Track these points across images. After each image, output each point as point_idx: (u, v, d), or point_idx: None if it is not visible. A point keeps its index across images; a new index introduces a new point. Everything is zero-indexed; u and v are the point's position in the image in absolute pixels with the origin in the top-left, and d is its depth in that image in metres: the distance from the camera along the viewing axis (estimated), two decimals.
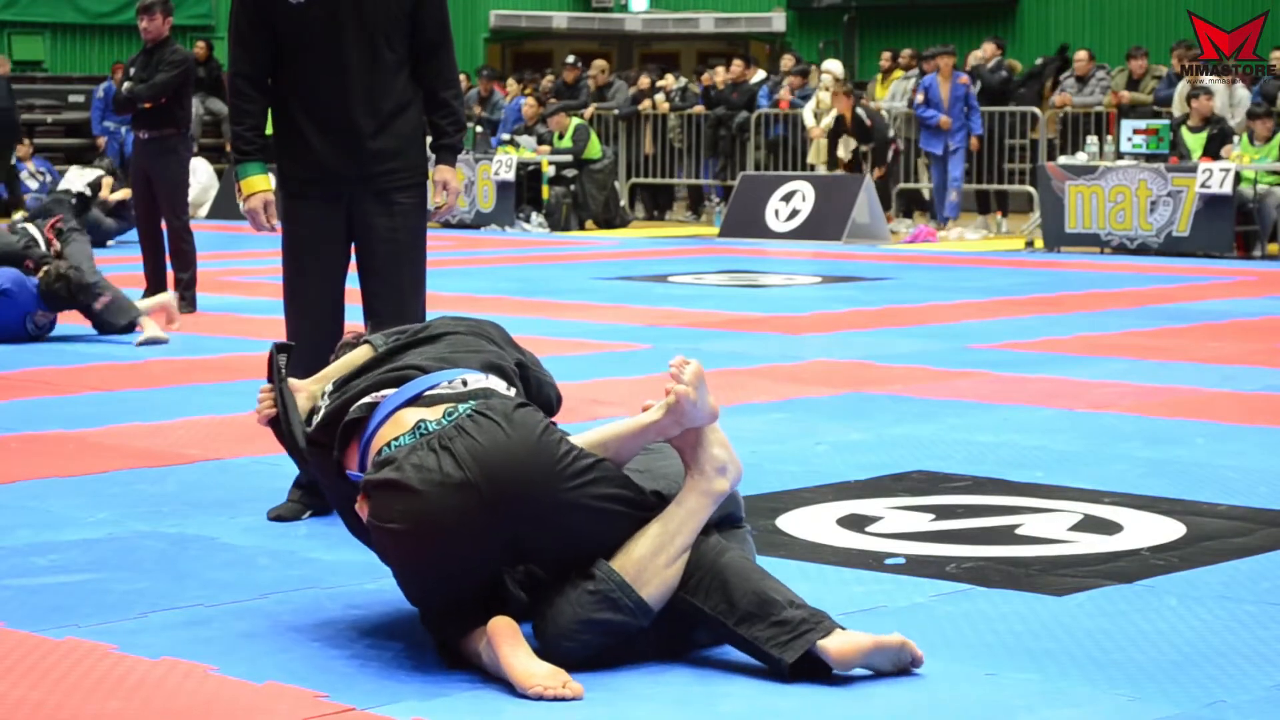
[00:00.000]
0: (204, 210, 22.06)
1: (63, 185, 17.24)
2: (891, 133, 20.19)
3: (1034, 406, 7.74)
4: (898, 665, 3.92)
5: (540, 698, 3.71)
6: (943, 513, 5.57)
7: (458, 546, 3.92)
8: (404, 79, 5.56)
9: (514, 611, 4.02)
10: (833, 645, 3.86)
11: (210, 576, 4.78)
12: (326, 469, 4.31)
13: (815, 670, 3.85)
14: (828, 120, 20.06)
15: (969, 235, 19.62)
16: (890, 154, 20.00)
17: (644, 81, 23.39)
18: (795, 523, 5.43)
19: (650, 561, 3.98)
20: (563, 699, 3.70)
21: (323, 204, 5.55)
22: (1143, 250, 16.91)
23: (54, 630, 4.22)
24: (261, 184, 5.63)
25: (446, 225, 20.75)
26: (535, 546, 4.01)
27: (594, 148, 21.28)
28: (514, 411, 4.03)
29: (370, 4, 5.48)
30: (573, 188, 21.19)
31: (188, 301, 11.83)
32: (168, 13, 12.02)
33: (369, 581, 4.70)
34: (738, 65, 23.24)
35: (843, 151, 20.48)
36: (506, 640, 3.82)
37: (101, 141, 23.72)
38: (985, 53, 20.68)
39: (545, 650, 3.94)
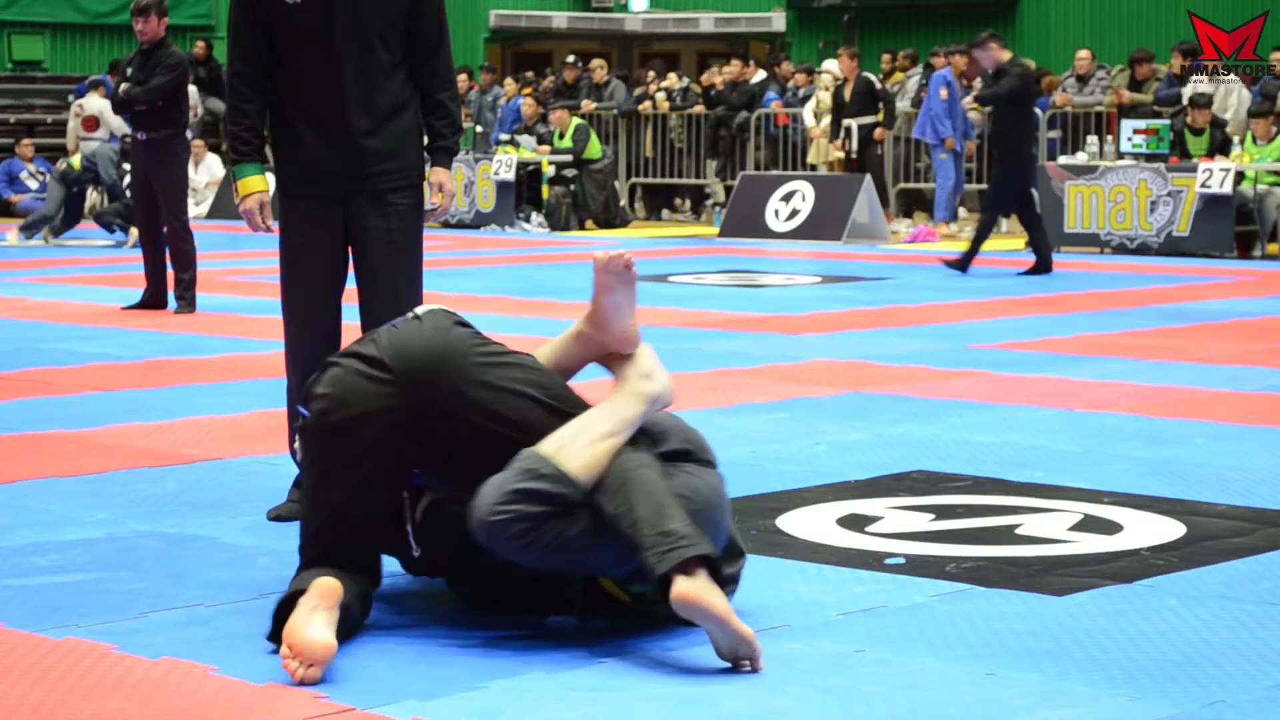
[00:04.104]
0: (204, 208, 22.07)
1: None
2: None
3: (1034, 406, 7.74)
4: (733, 654, 3.90)
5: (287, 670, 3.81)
6: (943, 513, 5.57)
7: (364, 423, 4.13)
8: (400, 80, 5.55)
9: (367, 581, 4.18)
10: (683, 586, 3.89)
11: (210, 576, 4.78)
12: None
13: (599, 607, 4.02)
14: (826, 108, 20.11)
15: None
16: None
17: (652, 87, 23.36)
18: (795, 523, 5.43)
19: (571, 440, 4.12)
20: (295, 677, 3.79)
21: (319, 206, 5.54)
22: (1143, 250, 16.92)
23: (54, 630, 4.22)
24: (258, 184, 5.62)
25: (446, 225, 20.76)
26: (444, 430, 4.16)
27: (594, 148, 21.29)
28: (437, 311, 4.34)
29: (366, 4, 5.48)
30: (573, 188, 21.20)
31: (187, 301, 11.83)
32: (163, 14, 12.02)
33: None
34: (737, 65, 23.26)
35: (814, 158, 20.50)
36: (310, 598, 3.90)
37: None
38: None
39: (482, 534, 4.07)
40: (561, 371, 4.41)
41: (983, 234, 14.79)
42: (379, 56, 5.49)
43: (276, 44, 5.51)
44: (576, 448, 4.11)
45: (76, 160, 18.33)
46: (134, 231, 17.98)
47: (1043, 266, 14.70)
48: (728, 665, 3.95)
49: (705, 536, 4.01)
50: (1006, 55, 14.83)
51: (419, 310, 4.39)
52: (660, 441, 4.28)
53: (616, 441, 4.15)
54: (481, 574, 4.33)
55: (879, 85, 20.20)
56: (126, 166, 17.90)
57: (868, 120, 19.93)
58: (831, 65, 21.26)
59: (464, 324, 4.35)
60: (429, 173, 5.67)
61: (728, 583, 4.32)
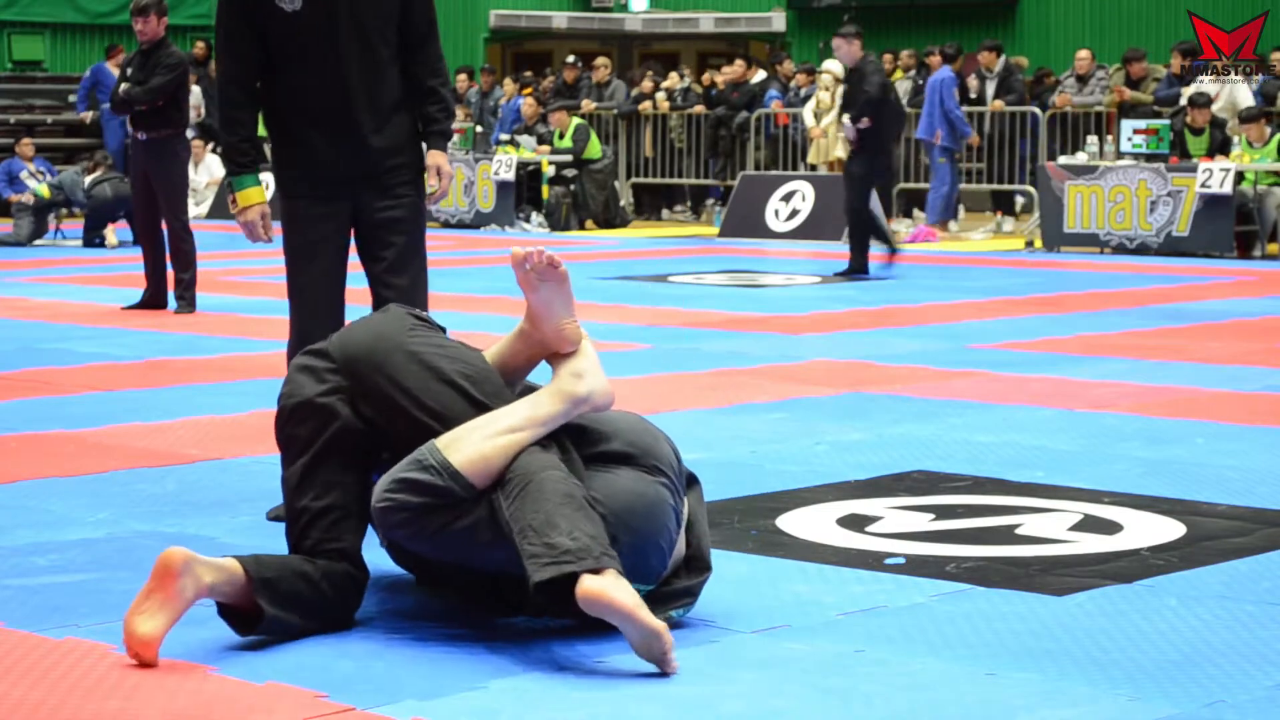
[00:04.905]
0: (204, 208, 22.07)
1: None
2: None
3: (1034, 406, 7.73)
4: (647, 650, 3.86)
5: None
6: (943, 513, 5.57)
7: (310, 409, 4.26)
8: (396, 74, 5.60)
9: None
10: (587, 583, 3.86)
11: None
12: None
13: (566, 604, 3.93)
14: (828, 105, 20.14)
15: (975, 235, 19.65)
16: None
17: (646, 85, 23.37)
18: (795, 523, 5.43)
19: (467, 434, 4.12)
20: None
21: (325, 205, 5.56)
22: (1142, 250, 16.92)
23: (54, 630, 4.22)
24: (257, 196, 5.63)
25: (446, 225, 20.76)
26: (381, 416, 4.24)
27: (594, 148, 21.28)
28: (396, 307, 4.47)
29: (363, 4, 5.50)
30: (573, 188, 21.20)
31: (187, 301, 11.84)
32: (162, 14, 12.03)
33: (368, 582, 4.69)
34: (739, 65, 23.26)
35: (814, 157, 20.50)
36: (152, 581, 3.95)
37: (88, 117, 23.68)
38: (985, 60, 20.63)
39: (375, 522, 4.18)
40: (509, 369, 4.38)
41: (878, 225, 14.69)
42: (379, 53, 5.53)
43: (273, 50, 5.51)
44: (471, 441, 4.10)
45: (45, 189, 18.51)
46: (109, 231, 18.10)
47: (859, 267, 14.59)
48: (727, 664, 3.95)
49: (600, 548, 3.92)
50: (861, 52, 14.80)
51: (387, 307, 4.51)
52: (598, 442, 4.23)
53: (521, 438, 4.11)
54: (443, 566, 4.35)
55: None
56: (88, 181, 18.03)
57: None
58: (833, 65, 21.24)
59: (421, 318, 4.40)
60: (426, 156, 5.68)
61: (682, 596, 4.28)
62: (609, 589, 3.85)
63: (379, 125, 5.53)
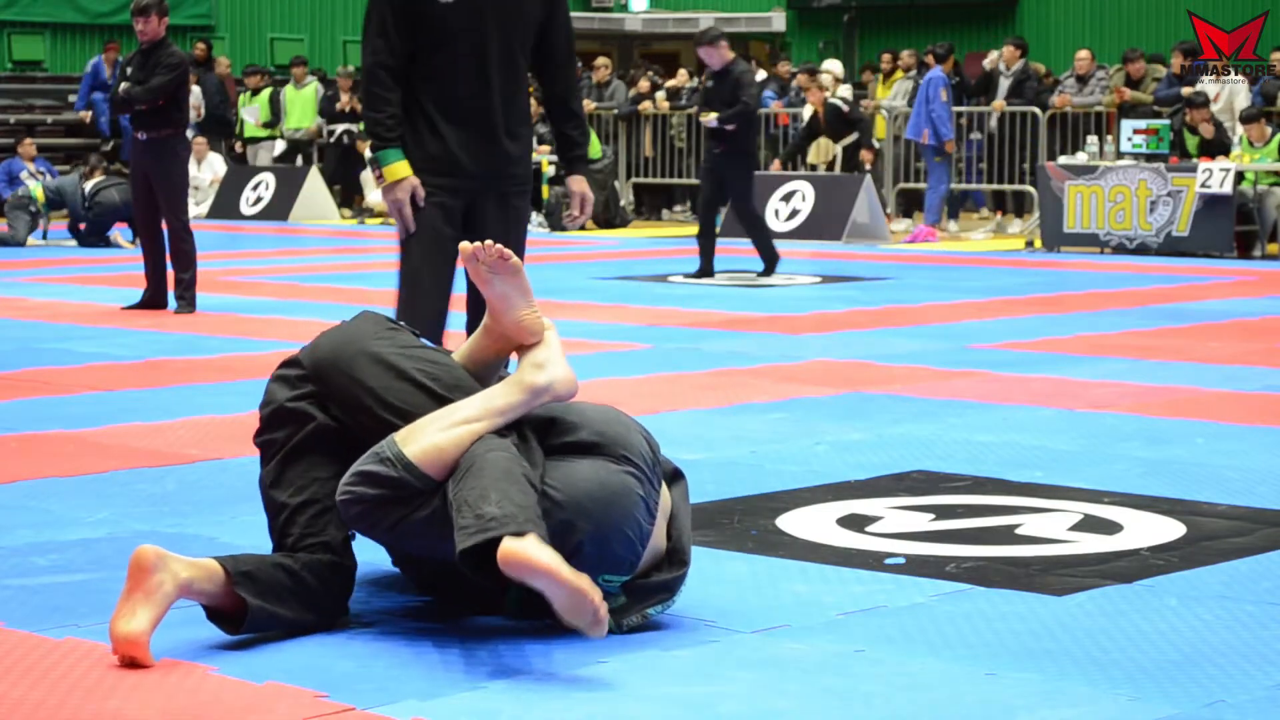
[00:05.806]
0: (205, 208, 22.06)
1: None
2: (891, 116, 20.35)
3: (1034, 406, 7.74)
4: (576, 610, 3.85)
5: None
6: (943, 513, 5.57)
7: (282, 414, 4.32)
8: (527, 88, 5.81)
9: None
10: (507, 545, 3.85)
11: None
12: None
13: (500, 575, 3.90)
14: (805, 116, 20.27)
15: (976, 235, 19.65)
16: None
17: (644, 85, 23.38)
18: (795, 523, 5.43)
19: (424, 426, 4.15)
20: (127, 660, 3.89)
21: (447, 198, 5.71)
22: (1142, 250, 16.93)
23: (54, 630, 4.22)
24: (406, 170, 5.73)
25: None
26: (349, 418, 4.28)
27: (594, 148, 21.28)
28: (368, 312, 4.50)
29: (510, 10, 5.67)
30: None
31: (187, 301, 11.84)
32: (163, 13, 12.04)
33: (368, 582, 4.69)
34: None
35: (815, 157, 20.58)
36: (128, 583, 3.96)
37: (87, 116, 23.69)
38: (1007, 56, 20.62)
39: (341, 516, 4.20)
40: (478, 365, 4.42)
41: (764, 231, 14.62)
42: (518, 61, 5.74)
43: (422, 42, 5.66)
44: (427, 433, 4.13)
45: (39, 190, 18.45)
46: (116, 235, 18.09)
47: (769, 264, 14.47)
48: (727, 664, 3.95)
49: (525, 515, 3.92)
50: (731, 55, 14.69)
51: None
52: (566, 433, 4.24)
53: (477, 428, 4.13)
54: (423, 564, 4.37)
55: (845, 109, 20.37)
56: (88, 186, 18.02)
57: (849, 140, 20.17)
58: (833, 65, 21.28)
59: (392, 323, 4.45)
60: (569, 181, 5.90)
61: (659, 591, 4.27)
62: (528, 549, 3.84)
63: (514, 131, 5.73)
